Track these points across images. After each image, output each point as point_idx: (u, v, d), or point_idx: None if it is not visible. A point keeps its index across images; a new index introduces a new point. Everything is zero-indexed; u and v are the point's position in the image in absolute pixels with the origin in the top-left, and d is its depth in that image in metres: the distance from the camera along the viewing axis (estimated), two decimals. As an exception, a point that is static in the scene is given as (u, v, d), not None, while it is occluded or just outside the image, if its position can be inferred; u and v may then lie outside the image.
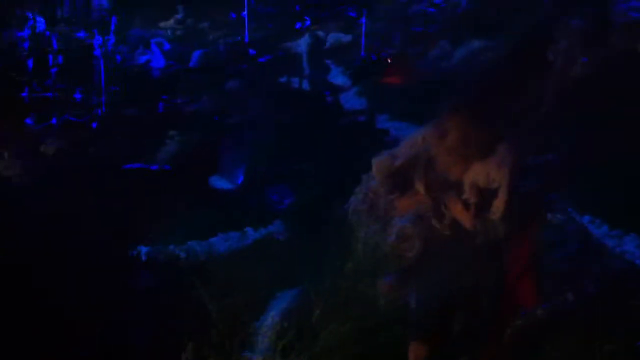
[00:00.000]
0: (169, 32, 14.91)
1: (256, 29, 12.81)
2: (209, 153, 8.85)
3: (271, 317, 5.49)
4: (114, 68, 10.01)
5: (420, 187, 4.38)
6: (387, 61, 12.08)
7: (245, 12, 12.56)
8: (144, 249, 7.35)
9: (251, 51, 11.94)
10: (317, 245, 6.49)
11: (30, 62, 9.69)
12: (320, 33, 13.78)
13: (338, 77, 13.02)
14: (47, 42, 10.10)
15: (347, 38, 15.67)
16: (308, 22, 15.37)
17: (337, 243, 6.24)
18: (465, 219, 4.12)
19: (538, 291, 4.21)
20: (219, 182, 8.52)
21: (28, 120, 8.89)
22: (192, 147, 8.71)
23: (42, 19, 10.64)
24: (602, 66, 10.74)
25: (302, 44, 13.33)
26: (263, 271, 6.30)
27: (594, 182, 7.67)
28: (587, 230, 6.44)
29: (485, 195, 4.18)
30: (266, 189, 8.36)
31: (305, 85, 11.76)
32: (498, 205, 4.00)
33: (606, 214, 7.11)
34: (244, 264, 6.66)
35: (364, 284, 5.45)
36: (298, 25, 15.20)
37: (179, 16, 16.65)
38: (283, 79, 11.50)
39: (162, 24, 16.18)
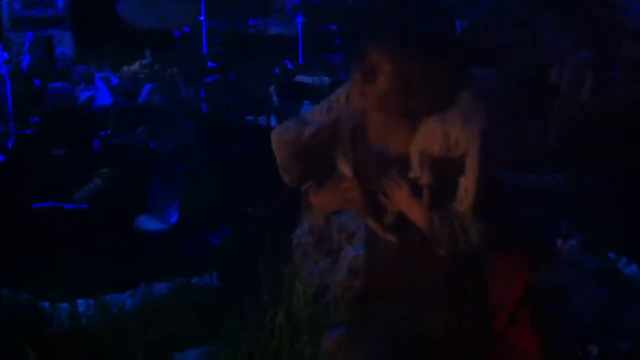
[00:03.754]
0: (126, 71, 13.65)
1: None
2: (139, 188, 7.31)
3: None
4: (32, 93, 8.58)
5: (345, 168, 2.46)
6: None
7: (203, 17, 11.25)
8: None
9: (210, 63, 10.60)
10: (248, 290, 4.89)
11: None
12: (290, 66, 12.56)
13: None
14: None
15: (329, 80, 14.75)
16: (290, 66, 14.51)
17: (271, 287, 4.64)
18: (417, 214, 2.28)
19: (545, 343, 2.49)
20: (148, 223, 6.92)
21: None
22: (119, 181, 7.16)
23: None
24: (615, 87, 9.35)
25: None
26: (169, 325, 4.67)
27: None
28: (615, 268, 4.80)
29: (446, 172, 2.32)
30: (204, 230, 6.77)
31: (272, 116, 10.36)
32: (468, 186, 2.16)
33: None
34: (148, 318, 5.01)
35: (300, 342, 3.81)
36: (277, 71, 14.30)
37: (145, 61, 15.48)
38: (243, 109, 10.08)
39: (125, 68, 15.00)
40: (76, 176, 7.66)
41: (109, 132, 7.98)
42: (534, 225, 3.88)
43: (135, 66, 15.18)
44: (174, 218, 7.03)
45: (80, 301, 5.88)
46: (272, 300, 4.28)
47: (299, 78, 13.74)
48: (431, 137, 2.55)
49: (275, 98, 10.89)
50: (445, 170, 2.56)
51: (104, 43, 15.56)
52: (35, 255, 6.47)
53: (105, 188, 7.16)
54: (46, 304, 5.75)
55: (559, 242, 5.17)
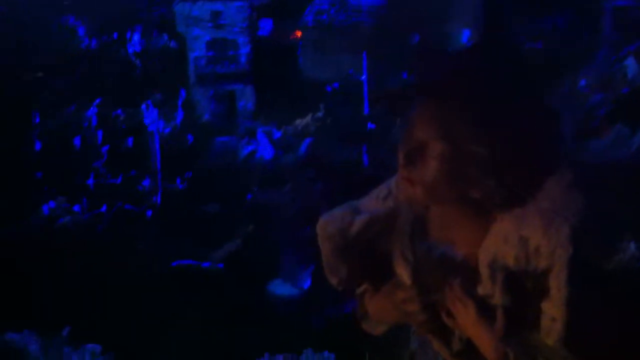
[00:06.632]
0: (299, 126, 13.71)
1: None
2: (277, 250, 6.97)
3: None
4: (185, 149, 8.64)
5: (403, 273, 1.63)
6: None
7: (365, 77, 10.94)
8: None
9: (370, 125, 10.20)
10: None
11: (104, 147, 8.64)
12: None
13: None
14: (114, 123, 9.06)
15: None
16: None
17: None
18: (486, 344, 1.42)
19: None
20: (281, 288, 6.53)
21: (76, 207, 7.69)
22: (259, 241, 6.88)
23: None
24: None
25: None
26: None
27: None
28: None
29: (528, 290, 1.45)
30: (335, 298, 6.23)
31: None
32: (554, 314, 1.28)
33: None
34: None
35: None
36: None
37: (320, 114, 15.55)
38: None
39: (297, 121, 15.17)
40: (222, 233, 7.53)
41: (256, 189, 7.79)
42: None
43: (308, 119, 15.29)
44: (306, 283, 6.60)
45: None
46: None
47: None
48: (504, 242, 1.71)
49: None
50: (527, 287, 1.73)
51: (283, 96, 15.91)
52: (164, 315, 6.33)
53: (245, 248, 6.90)
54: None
55: None
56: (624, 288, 1.90)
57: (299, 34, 18.16)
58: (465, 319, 1.86)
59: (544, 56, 15.99)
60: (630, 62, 15.28)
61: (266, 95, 16.44)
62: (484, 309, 1.83)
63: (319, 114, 15.24)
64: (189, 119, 10.46)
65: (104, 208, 8.02)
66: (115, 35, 11.92)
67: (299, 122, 15.13)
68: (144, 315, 6.46)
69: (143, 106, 9.62)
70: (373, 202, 2.25)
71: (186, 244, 7.34)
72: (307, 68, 17.46)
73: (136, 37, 13.17)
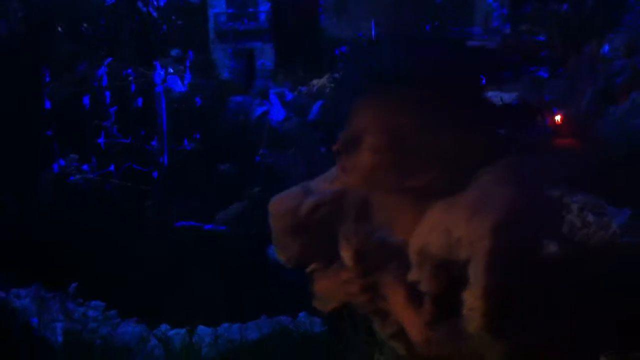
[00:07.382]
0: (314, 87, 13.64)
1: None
2: None
3: None
4: (193, 110, 8.69)
5: (346, 254, 1.79)
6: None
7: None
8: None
9: None
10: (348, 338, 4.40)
11: (112, 107, 8.71)
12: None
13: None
14: (126, 82, 9.11)
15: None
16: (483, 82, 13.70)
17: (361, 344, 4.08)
18: (412, 328, 1.57)
19: None
20: None
21: (85, 167, 7.82)
22: (264, 204, 6.94)
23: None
24: None
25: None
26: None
27: None
28: None
29: (452, 279, 1.57)
30: None
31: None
32: (471, 301, 1.40)
33: None
34: None
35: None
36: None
37: (336, 75, 15.45)
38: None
39: (314, 81, 15.07)
40: (228, 195, 7.61)
41: (265, 151, 7.83)
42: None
43: (324, 79, 15.19)
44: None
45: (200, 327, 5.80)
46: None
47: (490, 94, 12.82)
48: (431, 231, 1.81)
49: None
50: (453, 276, 1.83)
51: (302, 55, 15.77)
52: (162, 275, 6.47)
53: (250, 210, 6.98)
54: (165, 326, 5.75)
55: None
56: (604, 266, 1.92)
57: (321, -9, 17.92)
58: (396, 303, 1.94)
59: (570, 20, 15.64)
60: (658, 27, 14.91)
61: (285, 53, 16.31)
62: (414, 294, 1.90)
63: (336, 75, 15.12)
64: (200, 79, 10.46)
65: (112, 167, 8.15)
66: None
67: (316, 82, 15.03)
68: (147, 275, 6.62)
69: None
70: (323, 184, 2.32)
71: (191, 205, 7.45)
72: (327, 28, 17.26)
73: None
